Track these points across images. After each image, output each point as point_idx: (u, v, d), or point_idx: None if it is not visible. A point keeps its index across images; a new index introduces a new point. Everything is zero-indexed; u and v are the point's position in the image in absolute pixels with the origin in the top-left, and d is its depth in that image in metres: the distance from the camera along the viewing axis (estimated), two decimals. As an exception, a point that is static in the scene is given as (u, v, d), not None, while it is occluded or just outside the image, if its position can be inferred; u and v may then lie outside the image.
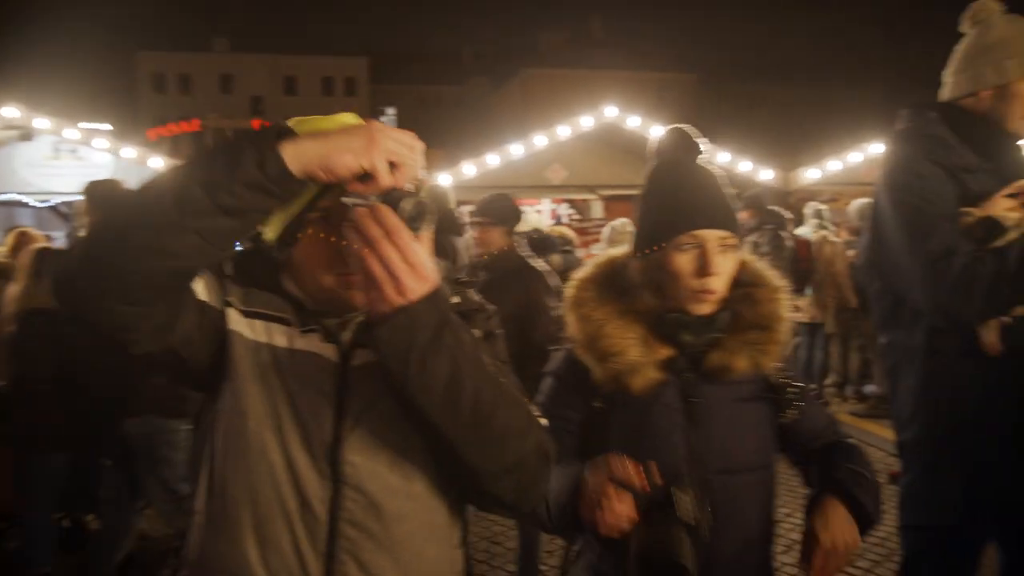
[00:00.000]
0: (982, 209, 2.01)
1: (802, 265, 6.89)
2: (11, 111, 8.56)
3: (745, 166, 10.09)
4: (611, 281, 1.62)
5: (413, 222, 1.07)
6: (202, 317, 1.19)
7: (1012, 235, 1.93)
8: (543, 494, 1.26)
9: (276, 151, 1.04)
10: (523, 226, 6.58)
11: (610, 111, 9.65)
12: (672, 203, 1.55)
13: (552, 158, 9.80)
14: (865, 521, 1.49)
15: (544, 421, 1.25)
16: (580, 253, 7.11)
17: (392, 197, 1.07)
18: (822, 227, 7.48)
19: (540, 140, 9.64)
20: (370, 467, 1.20)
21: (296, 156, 1.04)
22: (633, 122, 9.60)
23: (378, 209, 1.04)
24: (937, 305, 1.96)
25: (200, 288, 1.20)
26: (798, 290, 6.81)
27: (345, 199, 1.09)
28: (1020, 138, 2.21)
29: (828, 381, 7.88)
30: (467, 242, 5.87)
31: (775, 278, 1.63)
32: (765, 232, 6.58)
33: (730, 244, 1.53)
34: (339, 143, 1.06)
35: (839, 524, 1.45)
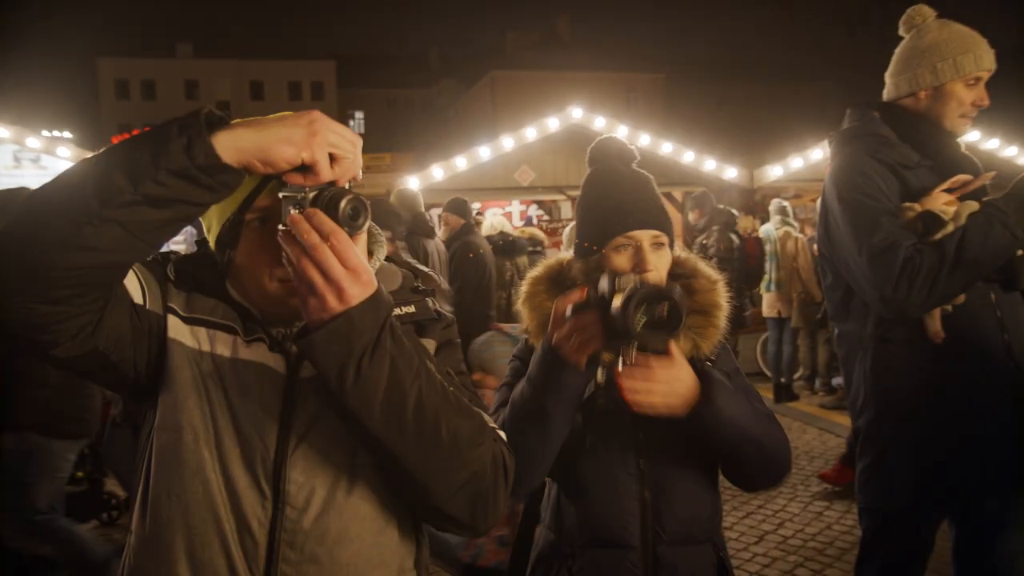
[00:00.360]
0: (922, 204, 2.11)
1: (751, 262, 6.88)
2: (-30, 122, 8.42)
3: (710, 165, 10.24)
4: (559, 279, 1.74)
5: (351, 222, 1.02)
6: (137, 321, 1.11)
7: (949, 228, 2.03)
8: (501, 512, 1.17)
9: (205, 137, 0.96)
10: (488, 229, 6.64)
11: (576, 112, 9.75)
12: (606, 207, 1.66)
13: (520, 160, 9.87)
14: (708, 405, 1.49)
15: (502, 433, 1.18)
16: (550, 254, 7.16)
17: (329, 194, 1.02)
18: (786, 223, 7.63)
19: (508, 142, 9.70)
20: (314, 486, 1.12)
21: (231, 145, 0.97)
22: (599, 123, 9.70)
23: (313, 214, 0.99)
24: (882, 297, 2.05)
25: (136, 291, 1.12)
26: (750, 287, 6.88)
27: (281, 193, 1.04)
28: (957, 136, 2.31)
29: (797, 375, 8.04)
30: (438, 244, 5.92)
31: (712, 271, 1.74)
32: (712, 233, 6.61)
33: (662, 242, 1.64)
34: (278, 133, 1.00)
35: (680, 367, 1.47)
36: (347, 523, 1.13)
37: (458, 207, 6.31)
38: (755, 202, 10.53)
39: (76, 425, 3.30)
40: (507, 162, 9.84)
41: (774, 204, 7.93)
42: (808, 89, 42.18)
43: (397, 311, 1.20)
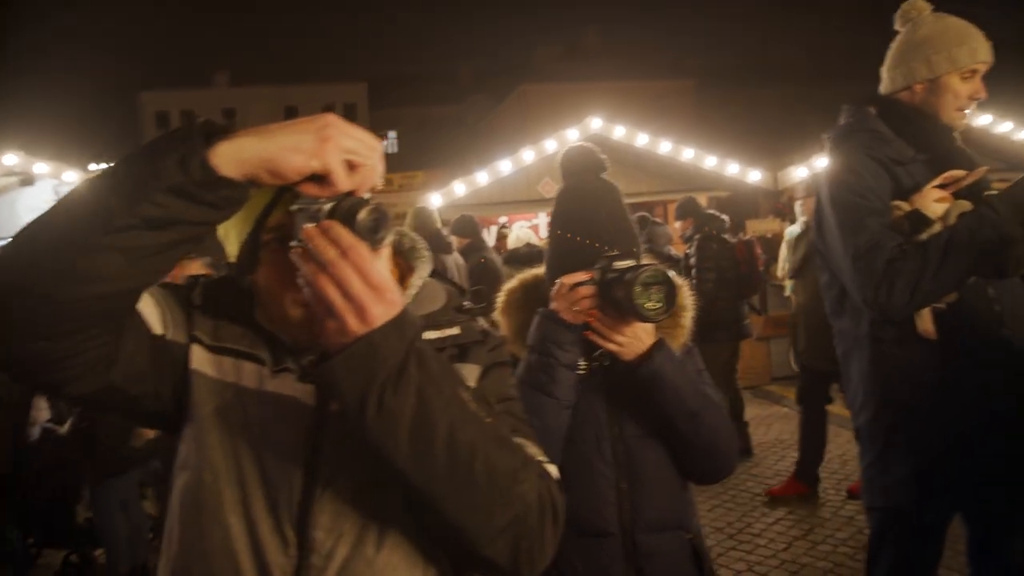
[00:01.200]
0: (911, 202, 2.08)
1: (742, 268, 6.19)
2: (11, 158, 8.75)
3: (732, 168, 10.16)
4: (534, 291, 1.84)
5: (372, 235, 0.91)
6: (157, 353, 1.04)
7: (936, 228, 1.99)
8: (549, 557, 1.04)
9: (201, 150, 0.87)
10: (514, 242, 6.69)
11: (595, 123, 9.76)
12: (572, 241, 1.72)
13: (542, 172, 9.91)
14: (651, 363, 1.62)
15: (552, 468, 1.07)
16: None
17: (347, 205, 0.91)
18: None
19: (528, 155, 9.76)
20: (342, 532, 1.02)
21: (232, 156, 0.88)
22: (619, 132, 9.70)
23: (329, 227, 0.88)
24: (865, 298, 2.03)
25: (155, 320, 1.05)
26: (746, 295, 6.37)
27: (293, 206, 0.95)
28: (955, 129, 2.28)
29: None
30: (456, 259, 5.98)
31: (675, 277, 1.79)
32: (693, 243, 6.22)
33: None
34: (285, 140, 0.90)
35: (644, 328, 1.62)
36: (378, 574, 1.02)
37: (461, 228, 6.44)
38: (782, 204, 10.40)
39: None
40: (529, 175, 9.90)
41: (798, 205, 7.82)
42: (836, 88, 41.47)
43: (439, 334, 1.13)
